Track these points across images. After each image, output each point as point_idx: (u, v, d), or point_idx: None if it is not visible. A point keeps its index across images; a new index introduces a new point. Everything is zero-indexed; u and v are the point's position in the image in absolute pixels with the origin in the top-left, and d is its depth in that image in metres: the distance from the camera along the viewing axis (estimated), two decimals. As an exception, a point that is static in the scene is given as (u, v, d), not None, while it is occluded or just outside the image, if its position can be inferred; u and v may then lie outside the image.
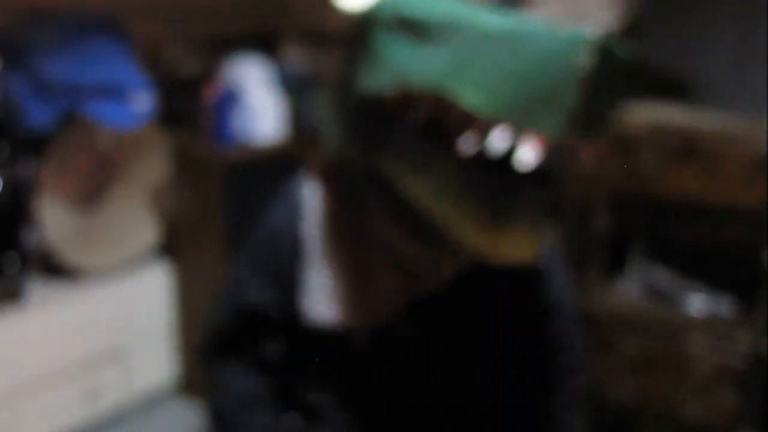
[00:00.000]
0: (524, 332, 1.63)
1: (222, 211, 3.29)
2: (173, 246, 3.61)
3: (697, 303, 2.79)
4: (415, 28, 1.31)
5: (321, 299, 1.55)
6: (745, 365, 2.57)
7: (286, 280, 1.59)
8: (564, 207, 1.29)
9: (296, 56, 3.90)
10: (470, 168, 1.29)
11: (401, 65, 1.33)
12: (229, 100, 3.31)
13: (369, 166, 1.44)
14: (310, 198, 1.60)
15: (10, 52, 3.18)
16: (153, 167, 3.76)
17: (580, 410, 1.77)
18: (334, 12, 1.44)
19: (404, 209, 1.40)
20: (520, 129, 1.23)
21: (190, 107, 3.74)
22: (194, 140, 3.55)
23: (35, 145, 3.20)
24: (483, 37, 1.23)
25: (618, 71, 1.24)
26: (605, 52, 1.17)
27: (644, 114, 2.72)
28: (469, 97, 1.22)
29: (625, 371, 2.77)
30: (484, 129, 1.26)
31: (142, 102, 3.38)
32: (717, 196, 2.52)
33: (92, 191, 3.87)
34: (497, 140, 1.25)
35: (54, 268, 3.36)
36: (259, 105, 3.39)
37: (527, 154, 1.25)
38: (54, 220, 3.48)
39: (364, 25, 1.41)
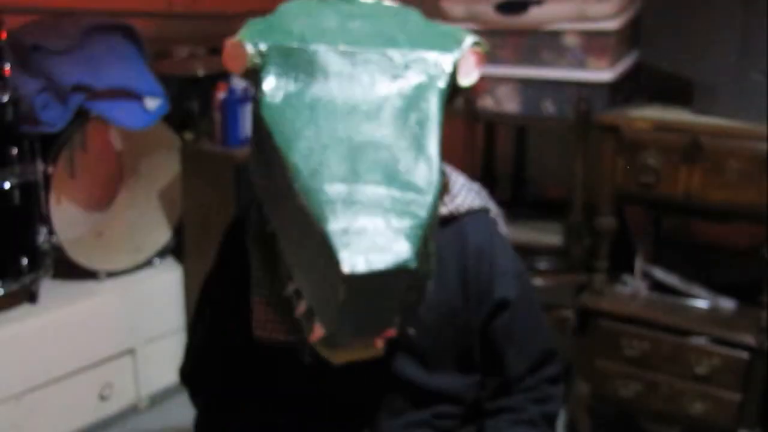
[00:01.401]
0: (460, 320, 1.65)
1: (232, 210, 3.27)
2: (184, 246, 3.63)
3: (701, 301, 2.80)
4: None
5: (265, 317, 1.61)
6: (747, 362, 2.57)
7: (238, 303, 1.65)
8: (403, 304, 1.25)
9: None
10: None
11: None
12: (239, 100, 3.31)
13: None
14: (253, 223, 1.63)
15: (23, 53, 3.19)
16: (164, 167, 3.78)
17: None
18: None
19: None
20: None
21: (201, 107, 3.76)
22: (205, 140, 3.57)
23: (48, 147, 3.20)
24: None
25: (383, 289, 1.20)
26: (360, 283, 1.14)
27: (648, 115, 2.73)
28: None
29: (629, 368, 2.77)
30: None
31: (154, 103, 3.39)
32: (720, 195, 2.52)
33: (104, 192, 3.89)
34: None
35: (67, 269, 3.37)
36: None
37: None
38: (67, 221, 3.49)
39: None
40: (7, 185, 2.96)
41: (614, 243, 2.83)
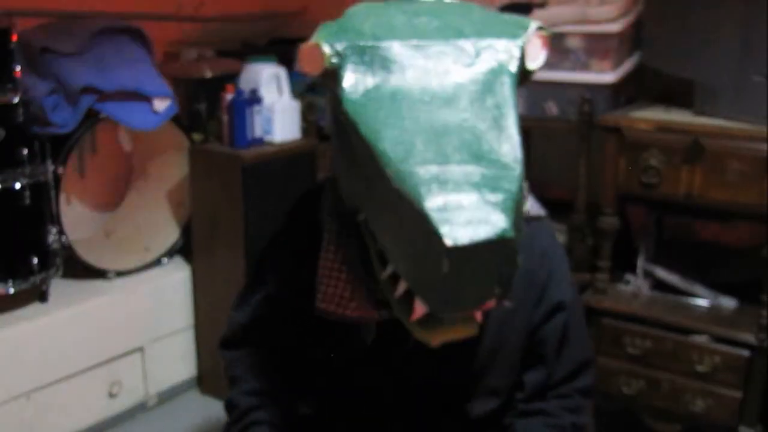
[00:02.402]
0: (517, 318, 1.68)
1: (241, 210, 3.31)
2: (193, 245, 3.64)
3: (702, 300, 2.82)
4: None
5: (335, 294, 1.62)
6: (748, 360, 2.59)
7: (304, 274, 1.67)
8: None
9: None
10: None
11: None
12: (246, 101, 3.33)
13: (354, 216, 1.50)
14: (326, 200, 1.67)
15: (34, 55, 3.21)
16: (173, 168, 3.81)
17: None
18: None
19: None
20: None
21: (209, 109, 3.77)
22: (213, 141, 3.58)
23: (58, 148, 3.22)
24: None
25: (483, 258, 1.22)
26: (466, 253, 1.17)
27: (650, 116, 2.75)
28: None
29: (632, 366, 2.79)
30: None
31: (162, 105, 3.40)
32: (721, 195, 2.53)
33: (114, 192, 3.92)
34: None
35: (77, 269, 3.39)
36: (276, 106, 3.42)
37: None
38: (76, 221, 3.51)
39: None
40: (17, 186, 2.98)
41: (617, 243, 2.84)
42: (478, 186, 1.21)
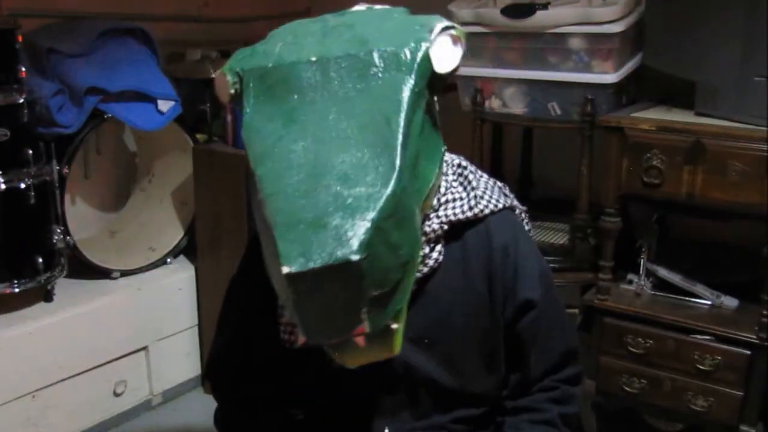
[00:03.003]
0: (484, 320, 1.68)
1: (244, 210, 3.32)
2: (197, 245, 3.66)
3: (703, 299, 2.81)
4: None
5: (292, 323, 1.66)
6: (749, 359, 2.59)
7: (269, 296, 1.66)
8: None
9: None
10: None
11: None
12: None
13: None
14: None
15: (39, 56, 3.23)
16: (177, 168, 3.82)
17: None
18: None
19: None
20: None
21: (213, 110, 3.79)
22: (217, 141, 3.61)
23: (63, 148, 3.24)
24: None
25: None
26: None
27: (652, 116, 2.76)
28: None
29: (633, 365, 2.79)
30: None
31: (167, 105, 3.42)
32: (722, 195, 2.52)
33: (118, 192, 3.94)
34: None
35: (81, 268, 3.41)
36: None
37: None
38: (81, 221, 3.54)
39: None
40: (22, 185, 3.00)
41: (619, 242, 2.84)
42: (335, 213, 1.21)
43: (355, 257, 1.16)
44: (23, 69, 3.00)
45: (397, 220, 1.25)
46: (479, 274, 1.66)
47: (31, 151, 3.03)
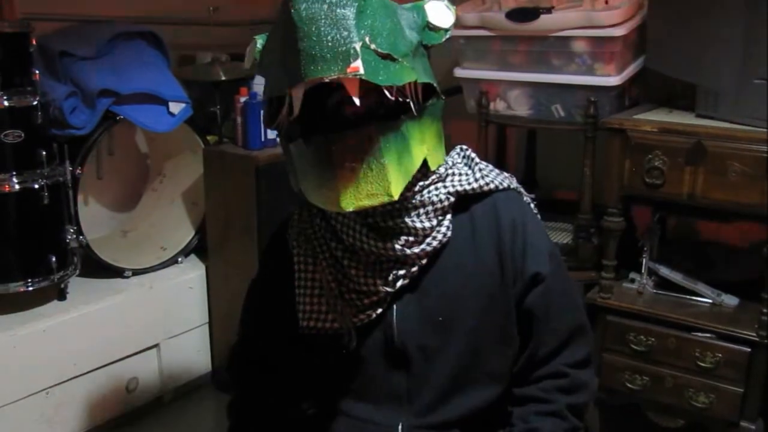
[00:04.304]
0: (493, 296, 1.69)
1: (254, 210, 3.34)
2: (207, 244, 3.68)
3: (704, 298, 2.84)
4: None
5: (312, 310, 1.69)
6: (749, 356, 2.61)
7: (286, 292, 1.73)
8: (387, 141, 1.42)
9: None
10: (306, 146, 1.49)
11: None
12: (260, 104, 3.34)
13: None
14: (294, 221, 1.78)
15: (52, 59, 3.28)
16: (188, 169, 3.85)
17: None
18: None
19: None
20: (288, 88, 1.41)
21: (223, 111, 3.82)
22: (227, 143, 3.63)
23: (76, 149, 3.27)
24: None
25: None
26: None
27: (654, 118, 2.79)
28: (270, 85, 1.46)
29: (636, 362, 2.82)
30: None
31: (178, 107, 3.46)
32: (722, 195, 2.54)
33: (130, 193, 3.97)
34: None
35: (94, 267, 3.45)
36: None
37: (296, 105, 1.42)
38: (94, 221, 3.57)
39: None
40: (36, 186, 3.03)
41: (621, 242, 2.86)
42: None
43: None
44: (37, 72, 3.03)
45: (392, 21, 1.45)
46: (489, 251, 1.68)
47: (44, 153, 3.06)
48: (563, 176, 3.56)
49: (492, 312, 1.68)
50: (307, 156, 1.49)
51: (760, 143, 2.48)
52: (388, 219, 1.60)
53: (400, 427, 1.71)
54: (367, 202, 1.46)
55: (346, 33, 1.34)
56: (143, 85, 3.39)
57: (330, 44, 1.33)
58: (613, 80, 2.89)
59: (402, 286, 1.64)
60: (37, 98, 3.01)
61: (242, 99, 3.37)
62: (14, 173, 2.99)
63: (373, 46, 1.37)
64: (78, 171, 3.28)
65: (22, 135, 2.98)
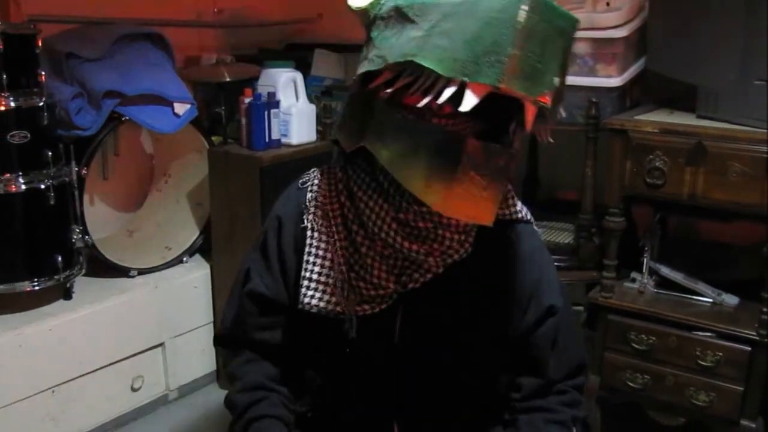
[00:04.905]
0: (502, 319, 1.71)
1: (258, 210, 3.34)
2: (212, 244, 3.69)
3: (705, 297, 2.85)
4: (403, 15, 1.42)
5: (317, 288, 1.68)
6: (749, 355, 2.62)
7: (288, 269, 1.73)
8: (512, 171, 1.40)
9: (326, 65, 3.99)
10: (426, 129, 1.46)
11: (386, 48, 1.44)
12: (264, 105, 3.37)
13: (355, 150, 1.58)
14: (313, 192, 1.74)
15: (58, 60, 3.29)
16: (193, 169, 3.87)
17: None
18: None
19: (392, 204, 1.58)
20: (467, 80, 1.34)
21: (228, 112, 3.83)
22: (232, 143, 3.64)
23: (82, 150, 3.28)
24: (450, 7, 1.36)
25: (555, 27, 1.37)
26: (542, 7, 1.33)
27: (655, 119, 2.80)
28: (432, 61, 1.35)
29: (637, 361, 2.83)
30: (440, 87, 1.37)
31: (183, 108, 3.48)
32: (723, 196, 2.56)
33: (136, 193, 3.98)
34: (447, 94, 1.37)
35: (100, 267, 3.46)
36: (292, 110, 3.47)
37: (469, 100, 1.34)
38: (99, 221, 3.58)
39: (368, 21, 1.53)
40: (42, 186, 3.04)
41: (622, 242, 2.87)
42: None
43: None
44: (43, 73, 3.04)
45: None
46: (506, 276, 1.70)
47: (50, 153, 3.07)
48: (565, 176, 3.57)
49: (496, 330, 1.71)
50: (422, 137, 1.46)
51: (760, 144, 2.49)
52: (419, 220, 1.58)
53: (395, 424, 1.73)
54: (462, 215, 1.47)
55: (554, 66, 1.38)
56: (149, 86, 3.41)
57: (540, 66, 1.36)
58: (615, 81, 2.91)
59: (413, 289, 1.64)
60: (43, 99, 3.02)
61: (247, 100, 3.37)
62: (20, 173, 3.00)
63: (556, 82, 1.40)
64: (84, 171, 3.29)
65: (28, 135, 2.99)
